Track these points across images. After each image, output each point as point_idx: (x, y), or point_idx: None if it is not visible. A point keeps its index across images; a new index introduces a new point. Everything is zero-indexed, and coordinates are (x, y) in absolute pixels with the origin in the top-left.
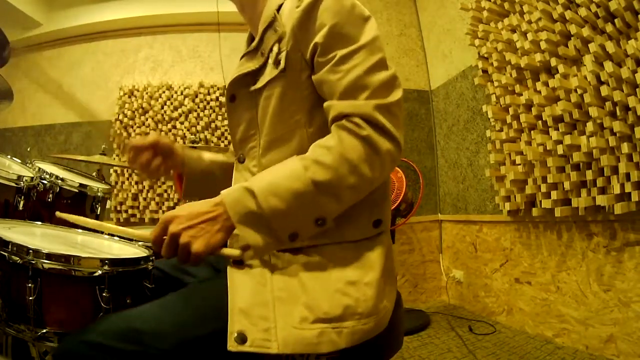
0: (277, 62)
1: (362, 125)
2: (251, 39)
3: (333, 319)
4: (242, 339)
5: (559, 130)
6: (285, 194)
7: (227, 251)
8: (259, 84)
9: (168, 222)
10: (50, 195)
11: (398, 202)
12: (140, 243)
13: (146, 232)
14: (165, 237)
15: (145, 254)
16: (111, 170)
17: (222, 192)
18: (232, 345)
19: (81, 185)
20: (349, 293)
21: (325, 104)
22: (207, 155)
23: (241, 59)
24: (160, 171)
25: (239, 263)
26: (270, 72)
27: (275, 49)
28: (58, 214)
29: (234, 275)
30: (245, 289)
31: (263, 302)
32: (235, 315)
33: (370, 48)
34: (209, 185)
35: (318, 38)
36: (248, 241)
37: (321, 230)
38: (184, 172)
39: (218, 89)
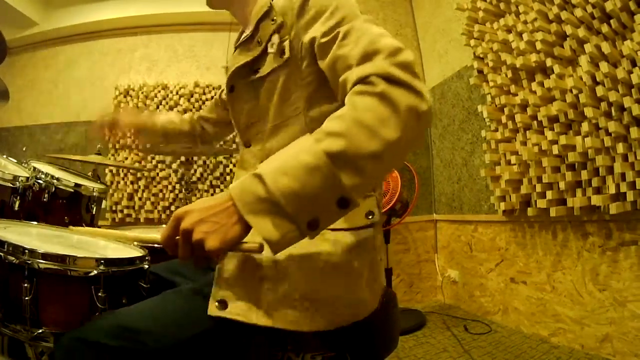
0: (280, 51)
1: (376, 82)
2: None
3: (316, 300)
4: (223, 306)
5: (554, 130)
6: (296, 171)
7: (246, 246)
8: (261, 73)
9: (180, 218)
10: (46, 195)
11: (393, 202)
12: (136, 243)
13: (158, 235)
14: (178, 237)
15: (140, 254)
16: (107, 170)
17: (231, 185)
18: (212, 311)
19: (76, 185)
20: (335, 277)
21: (341, 79)
22: (161, 119)
23: (235, 49)
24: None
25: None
26: (272, 61)
27: (275, 39)
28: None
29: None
30: (232, 263)
31: (248, 276)
32: (220, 284)
33: (372, 20)
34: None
35: (320, 23)
36: (261, 234)
37: (345, 214)
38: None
39: (213, 88)
